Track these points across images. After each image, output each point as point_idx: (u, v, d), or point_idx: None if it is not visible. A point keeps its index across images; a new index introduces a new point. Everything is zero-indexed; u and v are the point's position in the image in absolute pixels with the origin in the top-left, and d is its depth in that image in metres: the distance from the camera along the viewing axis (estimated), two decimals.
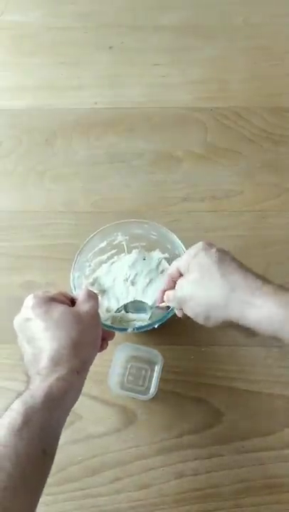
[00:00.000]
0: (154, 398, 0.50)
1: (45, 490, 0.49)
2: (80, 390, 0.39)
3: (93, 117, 0.72)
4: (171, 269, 0.44)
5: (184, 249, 0.51)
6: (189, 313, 0.41)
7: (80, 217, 0.54)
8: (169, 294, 0.44)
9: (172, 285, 0.44)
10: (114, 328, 0.50)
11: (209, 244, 0.42)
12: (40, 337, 0.39)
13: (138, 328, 0.49)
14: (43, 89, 0.75)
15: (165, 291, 0.45)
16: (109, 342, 0.53)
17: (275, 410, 0.50)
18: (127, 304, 0.52)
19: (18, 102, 0.74)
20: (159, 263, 0.57)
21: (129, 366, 0.53)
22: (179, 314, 0.46)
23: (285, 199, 0.64)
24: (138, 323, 0.52)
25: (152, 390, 0.50)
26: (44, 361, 0.37)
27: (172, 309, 0.48)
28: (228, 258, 0.40)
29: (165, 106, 0.73)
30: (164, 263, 0.57)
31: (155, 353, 0.51)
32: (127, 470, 0.48)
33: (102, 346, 0.45)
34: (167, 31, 0.81)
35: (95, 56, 0.79)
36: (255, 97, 0.73)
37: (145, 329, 0.49)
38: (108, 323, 0.51)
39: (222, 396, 0.51)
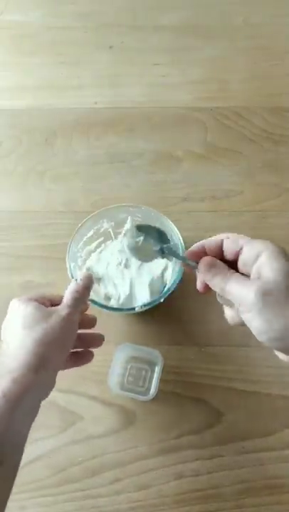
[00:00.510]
0: (154, 399, 0.49)
1: (45, 491, 0.49)
2: (45, 389, 0.38)
3: (93, 117, 0.72)
4: (232, 243, 0.36)
5: (173, 225, 0.52)
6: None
7: (80, 217, 0.54)
8: (213, 261, 0.35)
9: (215, 250, 0.36)
10: (122, 309, 0.50)
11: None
12: (6, 334, 0.39)
13: (145, 305, 0.50)
14: (43, 89, 0.75)
15: (204, 251, 0.37)
16: (110, 342, 0.53)
17: (275, 410, 0.50)
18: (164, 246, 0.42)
19: (18, 102, 0.74)
20: None
21: (129, 367, 0.53)
22: (201, 290, 0.37)
23: (286, 199, 0.64)
24: (143, 301, 0.52)
25: (152, 390, 0.50)
26: (1, 359, 0.36)
27: (174, 284, 0.49)
28: None
29: (165, 106, 0.72)
30: None
31: (155, 354, 0.51)
32: (126, 471, 0.48)
33: (87, 357, 0.44)
34: (167, 31, 0.81)
35: (95, 56, 0.78)
36: (256, 96, 0.73)
37: (152, 305, 0.50)
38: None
39: (222, 396, 0.51)
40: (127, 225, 0.57)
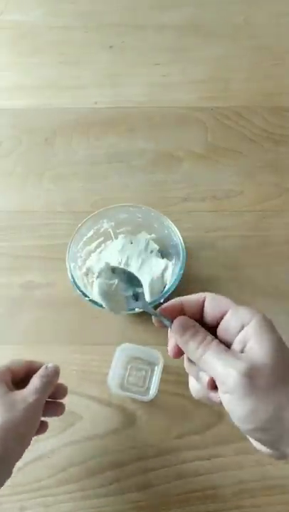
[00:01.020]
0: (154, 399, 0.49)
1: (45, 491, 0.49)
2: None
3: (93, 117, 0.72)
4: (219, 305, 0.32)
5: (173, 225, 0.52)
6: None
7: (80, 218, 0.54)
8: (194, 330, 0.31)
9: (195, 310, 0.33)
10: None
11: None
12: None
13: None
14: (43, 88, 0.75)
15: (181, 307, 0.33)
16: (110, 342, 0.53)
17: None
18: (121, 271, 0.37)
19: (18, 102, 0.74)
20: (147, 244, 0.58)
21: (129, 367, 0.53)
22: (171, 354, 0.33)
23: (286, 199, 0.64)
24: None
25: (152, 390, 0.49)
26: None
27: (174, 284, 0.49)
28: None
29: (165, 105, 0.72)
30: (152, 244, 0.58)
31: (155, 354, 0.51)
32: (126, 471, 0.48)
33: (59, 410, 0.43)
34: (168, 31, 0.80)
35: (95, 55, 0.78)
36: (256, 96, 0.73)
37: (152, 305, 0.49)
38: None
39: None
40: (102, 265, 0.56)
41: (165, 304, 0.33)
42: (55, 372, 0.41)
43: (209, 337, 0.30)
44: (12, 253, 0.61)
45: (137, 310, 0.49)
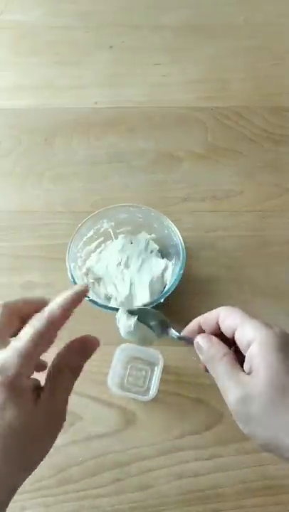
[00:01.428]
0: (154, 399, 0.49)
1: (46, 491, 0.49)
2: None
3: (93, 117, 0.72)
4: (228, 321, 0.32)
5: (173, 225, 0.52)
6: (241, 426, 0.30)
7: (80, 218, 0.54)
8: (210, 344, 0.33)
9: (211, 327, 0.34)
10: None
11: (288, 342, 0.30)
12: None
13: (145, 305, 0.50)
14: (43, 88, 0.75)
15: (200, 327, 0.35)
16: (110, 342, 0.53)
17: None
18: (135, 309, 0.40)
19: (18, 102, 0.74)
20: (147, 244, 0.58)
21: (129, 367, 0.53)
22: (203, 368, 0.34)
23: (286, 199, 0.64)
24: (143, 301, 0.52)
25: (152, 390, 0.49)
26: None
27: (173, 284, 0.49)
28: None
29: (165, 105, 0.72)
30: (152, 244, 0.58)
31: (155, 354, 0.51)
32: (127, 471, 0.48)
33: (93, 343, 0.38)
34: (168, 31, 0.80)
35: (95, 55, 0.78)
36: (256, 96, 0.73)
37: (152, 305, 0.50)
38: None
39: (222, 397, 0.51)
40: (120, 241, 0.57)
41: (186, 327, 0.36)
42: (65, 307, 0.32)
43: (220, 353, 0.31)
44: (12, 253, 0.61)
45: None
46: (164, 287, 0.54)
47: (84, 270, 0.56)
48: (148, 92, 0.74)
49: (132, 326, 0.38)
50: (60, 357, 0.32)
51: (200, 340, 0.33)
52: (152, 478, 0.48)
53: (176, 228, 0.53)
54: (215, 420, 0.50)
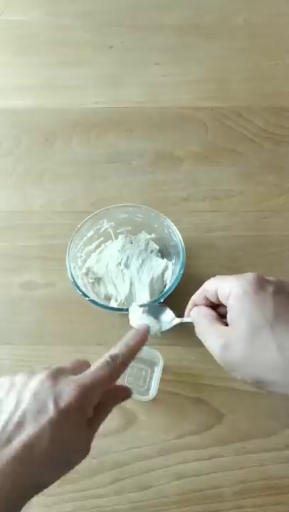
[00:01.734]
0: (154, 399, 0.49)
1: (46, 491, 0.49)
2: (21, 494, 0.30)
3: (93, 117, 0.72)
4: (209, 287, 0.36)
5: (173, 225, 0.53)
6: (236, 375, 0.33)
7: (80, 217, 0.54)
8: (197, 312, 0.37)
9: (202, 300, 0.37)
10: (122, 309, 0.51)
11: (262, 284, 0.32)
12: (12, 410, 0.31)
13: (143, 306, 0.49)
14: (43, 88, 0.75)
15: (195, 304, 0.38)
16: (110, 342, 0.53)
17: (276, 411, 0.50)
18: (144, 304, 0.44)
19: (18, 102, 0.74)
20: (147, 244, 0.58)
21: (129, 367, 0.53)
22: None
23: (286, 199, 0.64)
24: (143, 301, 0.52)
25: (152, 391, 0.49)
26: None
27: (173, 285, 0.50)
28: (287, 313, 0.31)
29: (165, 105, 0.72)
30: (152, 244, 0.58)
31: (155, 354, 0.51)
32: (127, 471, 0.48)
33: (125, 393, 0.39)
34: (168, 31, 0.80)
35: (95, 55, 0.78)
36: (256, 96, 0.73)
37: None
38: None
39: (222, 397, 0.51)
40: (120, 241, 0.58)
41: (185, 312, 0.40)
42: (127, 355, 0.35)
43: (201, 314, 0.36)
44: (12, 253, 0.61)
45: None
46: (164, 287, 0.54)
47: (84, 270, 0.56)
48: (148, 92, 0.74)
49: (142, 316, 0.42)
50: (105, 398, 0.35)
51: (190, 312, 0.37)
52: (152, 478, 0.48)
53: (176, 228, 0.53)
54: (215, 420, 0.50)
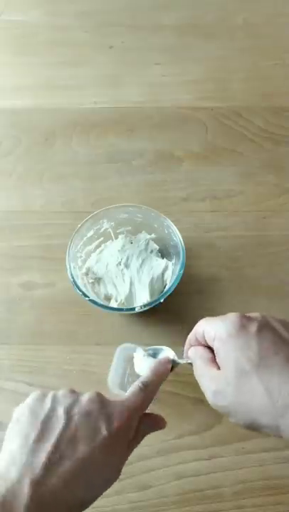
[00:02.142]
0: (154, 399, 0.49)
1: None
2: None
3: (93, 117, 0.72)
4: (198, 328, 0.36)
5: (173, 225, 0.53)
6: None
7: (80, 217, 0.54)
8: (194, 352, 0.37)
9: (196, 341, 0.38)
10: (122, 309, 0.50)
11: (244, 324, 0.32)
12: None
13: (145, 305, 0.50)
14: (43, 88, 0.75)
15: (191, 344, 0.39)
16: (110, 342, 0.53)
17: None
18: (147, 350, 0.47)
19: (18, 102, 0.74)
20: (147, 244, 0.58)
21: (129, 367, 0.53)
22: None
23: (286, 199, 0.64)
24: (143, 301, 0.53)
25: None
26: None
27: (173, 284, 0.50)
28: (272, 353, 0.30)
29: (165, 105, 0.72)
30: (152, 244, 0.58)
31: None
32: (126, 471, 0.48)
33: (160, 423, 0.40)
34: (168, 30, 0.81)
35: (95, 55, 0.78)
36: (256, 96, 0.73)
37: (152, 305, 0.50)
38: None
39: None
40: (120, 241, 0.58)
41: (184, 350, 0.40)
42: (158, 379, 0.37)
43: (197, 356, 0.36)
44: (12, 253, 0.61)
45: (137, 310, 0.50)
46: (164, 287, 0.54)
47: (84, 270, 0.56)
48: (148, 92, 0.74)
49: (144, 359, 0.45)
50: (143, 424, 0.37)
51: (188, 353, 0.38)
52: (152, 478, 0.48)
53: (176, 228, 0.53)
54: (215, 420, 0.50)
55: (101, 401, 0.34)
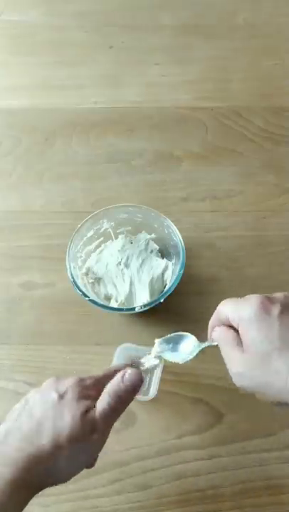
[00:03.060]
0: (154, 399, 0.49)
1: (46, 491, 0.49)
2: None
3: (93, 117, 0.72)
4: (221, 311, 0.36)
5: (173, 225, 0.53)
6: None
7: (80, 217, 0.54)
8: (218, 334, 0.37)
9: (218, 322, 0.38)
10: (122, 309, 0.50)
11: (267, 307, 0.32)
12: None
13: (145, 305, 0.50)
14: (43, 88, 0.75)
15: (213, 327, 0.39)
16: (110, 342, 0.53)
17: (275, 411, 0.50)
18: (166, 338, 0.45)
19: (18, 102, 0.74)
20: (147, 244, 0.58)
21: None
22: None
23: (286, 199, 0.64)
24: (143, 301, 0.53)
25: (152, 391, 0.49)
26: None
27: (173, 285, 0.50)
28: None
29: (165, 105, 0.72)
30: (152, 244, 0.58)
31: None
32: (127, 471, 0.48)
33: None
34: (167, 30, 0.81)
35: (94, 55, 0.78)
36: (256, 96, 0.73)
37: (152, 305, 0.50)
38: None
39: (222, 397, 0.51)
40: (120, 241, 0.58)
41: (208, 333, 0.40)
42: (133, 384, 0.37)
43: (222, 337, 0.36)
44: (12, 253, 0.61)
45: (137, 310, 0.50)
46: (164, 287, 0.54)
47: (84, 270, 0.56)
48: (147, 92, 0.74)
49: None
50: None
51: (212, 334, 0.37)
52: (152, 478, 0.48)
53: (176, 228, 0.53)
54: (215, 420, 0.50)
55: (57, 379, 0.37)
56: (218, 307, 0.37)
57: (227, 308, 0.35)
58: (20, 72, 0.77)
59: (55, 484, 0.35)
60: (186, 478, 0.48)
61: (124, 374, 0.37)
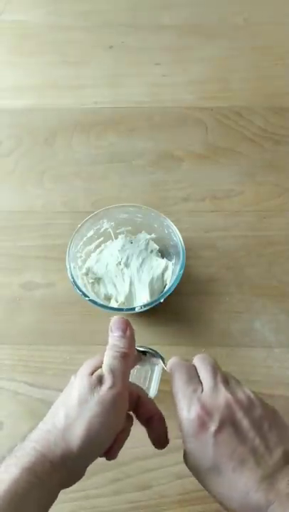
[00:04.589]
0: (154, 399, 0.49)
1: None
2: (53, 491, 0.35)
3: (93, 117, 0.72)
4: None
5: (173, 225, 0.53)
6: None
7: (80, 217, 0.54)
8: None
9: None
10: (122, 309, 0.50)
11: (204, 423, 0.32)
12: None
13: (145, 305, 0.50)
14: (44, 88, 0.75)
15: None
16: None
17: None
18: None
19: (18, 102, 0.74)
20: (147, 244, 0.58)
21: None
22: None
23: (286, 199, 0.64)
24: (143, 301, 0.53)
25: (153, 390, 0.49)
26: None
27: (173, 285, 0.51)
28: (227, 457, 0.30)
29: (166, 105, 0.72)
30: (152, 244, 0.58)
31: (156, 354, 0.51)
32: (126, 471, 0.48)
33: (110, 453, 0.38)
34: (168, 30, 0.80)
35: (95, 55, 0.78)
36: (257, 96, 0.73)
37: (152, 305, 0.50)
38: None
39: None
40: (120, 241, 0.58)
41: None
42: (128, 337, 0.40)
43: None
44: (12, 253, 0.61)
45: (137, 310, 0.50)
46: (164, 287, 0.54)
47: (84, 270, 0.56)
48: (148, 92, 0.74)
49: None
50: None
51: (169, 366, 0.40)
52: (152, 477, 0.48)
53: (176, 228, 0.53)
54: None
55: None
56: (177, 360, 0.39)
57: (181, 376, 0.38)
58: (20, 72, 0.77)
59: (79, 467, 0.36)
60: (186, 478, 0.48)
61: (110, 327, 0.40)
